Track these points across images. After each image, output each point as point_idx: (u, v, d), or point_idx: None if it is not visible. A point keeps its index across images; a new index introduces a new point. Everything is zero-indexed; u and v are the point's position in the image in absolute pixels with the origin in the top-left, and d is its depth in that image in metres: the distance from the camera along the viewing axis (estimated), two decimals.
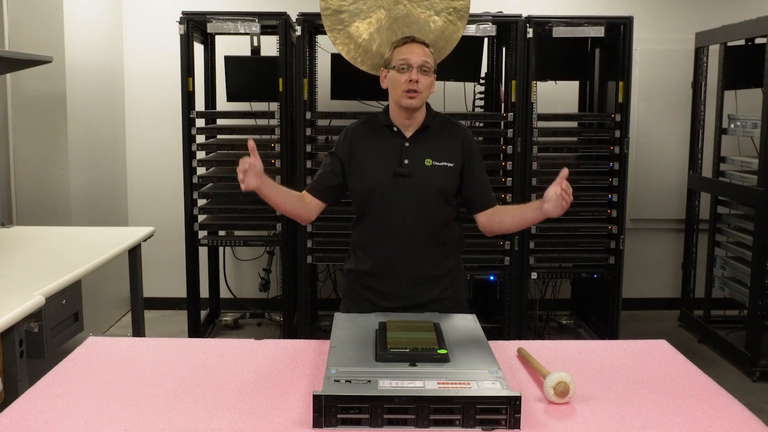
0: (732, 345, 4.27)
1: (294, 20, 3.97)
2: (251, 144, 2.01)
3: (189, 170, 4.10)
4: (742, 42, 4.42)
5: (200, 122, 4.21)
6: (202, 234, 4.27)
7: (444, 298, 2.27)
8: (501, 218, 2.26)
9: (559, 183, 2.00)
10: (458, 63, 4.07)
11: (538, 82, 4.07)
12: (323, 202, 2.28)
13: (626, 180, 4.08)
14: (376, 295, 2.26)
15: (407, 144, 2.23)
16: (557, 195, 1.99)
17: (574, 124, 4.49)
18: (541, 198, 2.06)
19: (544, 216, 2.05)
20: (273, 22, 4.02)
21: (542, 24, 3.96)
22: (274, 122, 4.10)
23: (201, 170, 4.21)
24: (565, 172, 2.01)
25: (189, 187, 4.12)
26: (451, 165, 2.23)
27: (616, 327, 4.21)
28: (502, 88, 4.12)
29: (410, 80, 2.15)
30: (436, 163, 2.21)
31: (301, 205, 2.24)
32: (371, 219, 2.24)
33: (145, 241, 3.42)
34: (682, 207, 4.95)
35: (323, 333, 4.24)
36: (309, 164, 3.97)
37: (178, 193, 4.19)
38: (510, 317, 4.11)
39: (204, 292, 4.64)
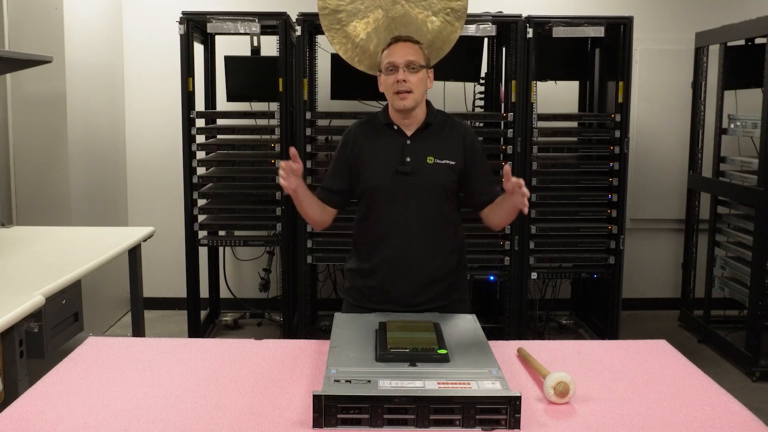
0: (732, 345, 4.27)
1: (294, 20, 3.97)
2: (293, 151, 2.09)
3: (189, 170, 4.10)
4: (742, 42, 4.42)
5: (200, 122, 4.21)
6: (202, 234, 4.27)
7: (446, 297, 2.27)
8: (494, 213, 2.28)
9: (506, 179, 2.05)
10: (458, 63, 4.08)
11: (538, 82, 4.07)
12: (335, 209, 2.32)
13: (626, 180, 4.08)
14: (377, 294, 2.26)
15: (409, 142, 2.23)
16: (515, 187, 2.04)
17: (574, 124, 4.49)
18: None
19: (513, 204, 2.10)
20: (273, 22, 4.02)
21: (542, 24, 3.96)
22: (274, 122, 4.10)
23: (201, 170, 4.21)
24: (506, 169, 2.07)
25: (189, 187, 4.12)
26: (453, 163, 2.23)
27: (616, 327, 4.21)
28: (502, 88, 4.12)
29: (397, 81, 2.15)
30: (438, 161, 2.21)
31: (323, 211, 2.29)
32: (373, 218, 2.24)
33: (145, 241, 3.42)
34: (682, 207, 4.95)
35: (323, 333, 4.24)
36: (309, 164, 3.96)
37: (178, 193, 4.19)
38: (510, 317, 4.11)
39: (204, 292, 4.64)
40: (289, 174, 2.08)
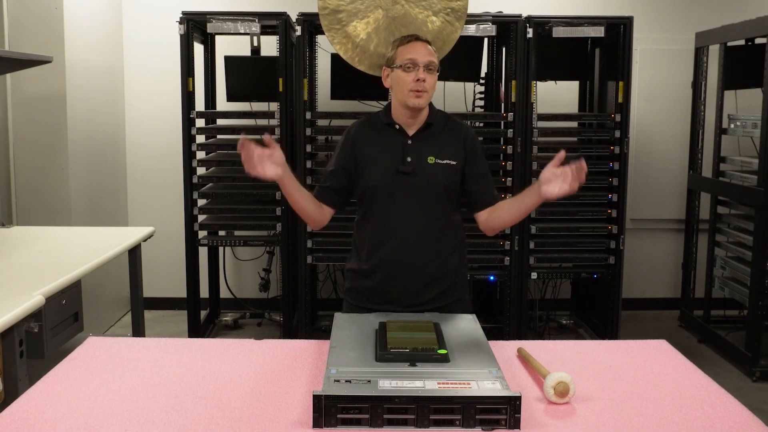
0: (732, 345, 4.27)
1: (294, 20, 3.97)
2: (267, 138, 2.04)
3: (189, 170, 4.10)
4: (742, 42, 4.42)
5: (200, 122, 4.21)
6: (202, 234, 4.27)
7: (447, 297, 2.27)
8: (499, 213, 2.23)
9: (555, 164, 1.95)
10: (458, 63, 4.09)
11: (538, 82, 4.07)
12: (333, 208, 2.29)
13: (626, 180, 4.08)
14: (378, 294, 2.26)
15: (410, 142, 2.23)
16: (555, 175, 1.94)
17: (574, 124, 4.49)
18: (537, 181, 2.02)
19: (543, 199, 2.00)
20: (273, 22, 4.02)
21: (542, 24, 3.96)
22: (274, 122, 4.10)
23: (201, 170, 4.21)
24: (561, 154, 1.97)
25: (189, 187, 4.12)
26: (454, 163, 2.22)
27: (616, 327, 4.21)
28: (502, 88, 4.12)
29: (417, 79, 2.15)
30: (439, 161, 2.21)
31: (318, 207, 2.26)
32: (374, 218, 2.24)
33: (145, 241, 3.42)
34: (682, 207, 4.95)
35: (323, 333, 4.24)
36: (309, 164, 3.97)
37: (178, 193, 4.19)
38: (510, 317, 4.11)
39: (204, 292, 4.64)
40: (265, 160, 2.02)
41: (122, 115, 5.03)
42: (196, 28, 4.16)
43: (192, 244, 4.20)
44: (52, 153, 4.15)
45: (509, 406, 1.45)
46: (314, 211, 2.24)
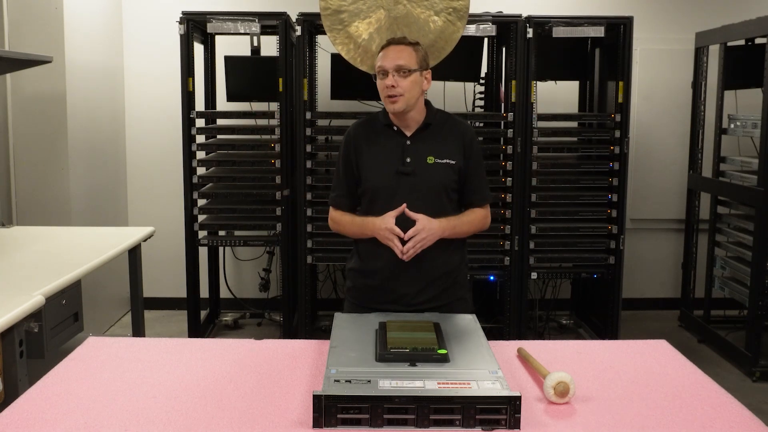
0: (732, 345, 4.27)
1: (294, 20, 3.97)
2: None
3: (189, 170, 4.10)
4: (742, 42, 4.41)
5: (200, 122, 4.21)
6: (202, 234, 4.27)
7: (448, 296, 2.27)
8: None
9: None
10: (458, 63, 4.08)
11: (538, 82, 4.07)
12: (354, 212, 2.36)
13: (626, 180, 4.08)
14: (379, 294, 2.26)
15: (409, 142, 2.23)
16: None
17: (574, 124, 4.49)
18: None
19: None
20: (273, 22, 4.02)
21: (542, 24, 3.96)
22: (274, 122, 4.10)
23: (201, 170, 4.21)
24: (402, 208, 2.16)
25: (189, 187, 4.12)
26: (454, 162, 2.23)
27: (616, 327, 4.21)
28: (502, 88, 4.12)
29: (386, 86, 2.16)
30: (439, 161, 2.21)
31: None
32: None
33: (145, 241, 3.42)
34: (682, 207, 4.95)
35: (323, 333, 4.24)
36: (309, 164, 3.97)
37: (178, 193, 4.19)
38: (510, 317, 4.11)
39: (204, 292, 4.64)
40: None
41: (122, 115, 5.03)
42: (196, 28, 4.16)
43: (192, 244, 4.19)
44: (52, 153, 4.15)
45: (509, 406, 1.45)
46: None
